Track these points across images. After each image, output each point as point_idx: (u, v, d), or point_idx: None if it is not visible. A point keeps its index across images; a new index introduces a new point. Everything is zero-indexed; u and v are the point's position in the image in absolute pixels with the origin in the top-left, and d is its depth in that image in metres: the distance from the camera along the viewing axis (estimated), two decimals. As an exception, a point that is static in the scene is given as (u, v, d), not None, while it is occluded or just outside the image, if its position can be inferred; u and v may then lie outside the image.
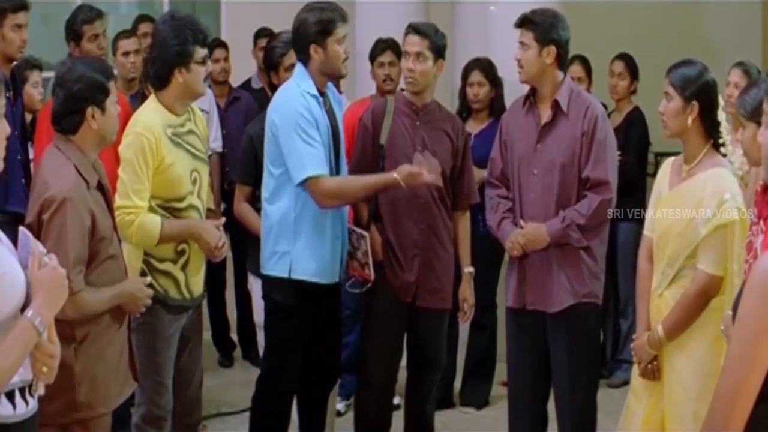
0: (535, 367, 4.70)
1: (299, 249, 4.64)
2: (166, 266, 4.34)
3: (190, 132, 4.42)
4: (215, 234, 4.36)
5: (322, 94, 4.71)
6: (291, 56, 5.23)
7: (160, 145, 4.24)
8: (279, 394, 4.82)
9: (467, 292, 5.09)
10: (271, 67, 5.48)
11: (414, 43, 4.90)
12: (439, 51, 4.93)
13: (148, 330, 4.29)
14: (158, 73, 4.33)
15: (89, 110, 3.69)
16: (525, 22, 4.66)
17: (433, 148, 4.93)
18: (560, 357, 4.62)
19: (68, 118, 3.71)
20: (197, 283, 4.44)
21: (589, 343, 4.67)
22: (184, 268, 4.38)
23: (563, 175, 4.60)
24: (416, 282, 4.94)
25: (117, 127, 3.86)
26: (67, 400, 3.61)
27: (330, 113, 4.74)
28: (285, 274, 4.66)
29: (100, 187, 3.79)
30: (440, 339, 5.07)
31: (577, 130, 4.58)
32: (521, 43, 4.66)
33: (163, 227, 4.23)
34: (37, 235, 3.45)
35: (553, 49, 4.61)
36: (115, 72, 6.03)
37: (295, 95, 4.62)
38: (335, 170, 4.72)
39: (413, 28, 4.97)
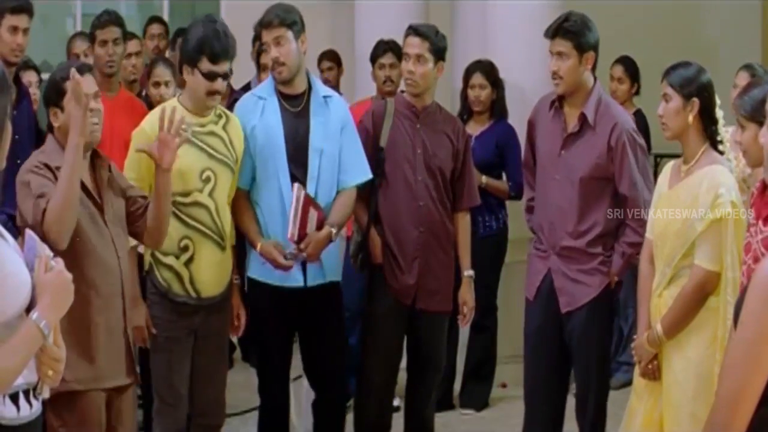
0: (553, 365, 4.71)
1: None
2: (170, 260, 4.40)
3: (211, 134, 4.49)
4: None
5: (292, 96, 4.70)
6: (265, 56, 5.26)
7: None
8: (265, 392, 4.83)
9: (467, 295, 5.08)
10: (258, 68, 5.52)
11: (414, 45, 4.88)
12: (439, 53, 4.91)
13: (155, 325, 4.41)
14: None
15: (52, 110, 3.90)
16: (561, 30, 4.55)
17: (433, 150, 4.93)
18: (580, 354, 4.64)
19: (46, 119, 3.95)
20: (206, 283, 4.44)
21: (602, 341, 4.68)
22: (188, 264, 4.41)
23: (585, 188, 4.58)
24: (416, 285, 4.93)
25: (97, 127, 3.91)
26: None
27: (296, 115, 4.69)
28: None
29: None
30: (440, 341, 5.06)
31: (602, 144, 4.54)
32: (558, 53, 4.54)
33: None
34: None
35: (592, 55, 4.55)
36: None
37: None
38: (300, 173, 4.65)
39: (414, 30, 4.94)
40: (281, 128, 4.67)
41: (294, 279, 4.66)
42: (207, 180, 4.43)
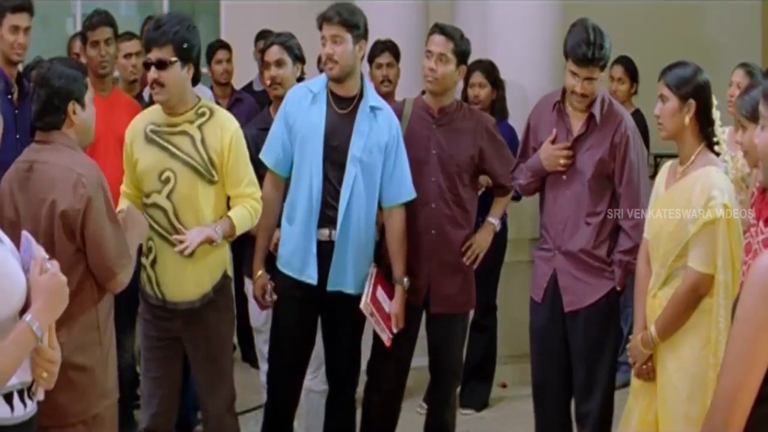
0: (560, 365, 4.71)
1: (281, 234, 4.77)
2: (143, 260, 4.37)
3: (182, 133, 4.33)
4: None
5: (341, 97, 4.67)
6: (267, 55, 5.23)
7: (134, 143, 4.38)
8: (271, 386, 4.83)
9: (481, 239, 5.01)
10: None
11: (438, 44, 4.82)
12: (462, 56, 4.86)
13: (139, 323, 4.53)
14: None
15: (71, 105, 3.74)
16: (594, 61, 4.51)
17: (449, 152, 4.88)
18: (583, 355, 4.65)
19: (53, 114, 3.74)
20: (169, 286, 4.33)
21: (607, 343, 4.69)
22: (153, 265, 4.35)
23: (593, 187, 4.61)
24: (427, 287, 4.89)
25: (94, 125, 3.88)
26: (101, 390, 3.70)
27: (342, 117, 4.66)
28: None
29: None
30: (454, 345, 5.00)
31: (608, 140, 4.58)
32: (588, 78, 4.53)
33: None
34: (81, 225, 3.59)
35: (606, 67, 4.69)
36: (116, 74, 6.06)
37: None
38: (332, 175, 4.63)
39: (439, 28, 4.89)
40: (323, 125, 4.63)
41: (309, 276, 4.65)
42: (166, 181, 4.29)
